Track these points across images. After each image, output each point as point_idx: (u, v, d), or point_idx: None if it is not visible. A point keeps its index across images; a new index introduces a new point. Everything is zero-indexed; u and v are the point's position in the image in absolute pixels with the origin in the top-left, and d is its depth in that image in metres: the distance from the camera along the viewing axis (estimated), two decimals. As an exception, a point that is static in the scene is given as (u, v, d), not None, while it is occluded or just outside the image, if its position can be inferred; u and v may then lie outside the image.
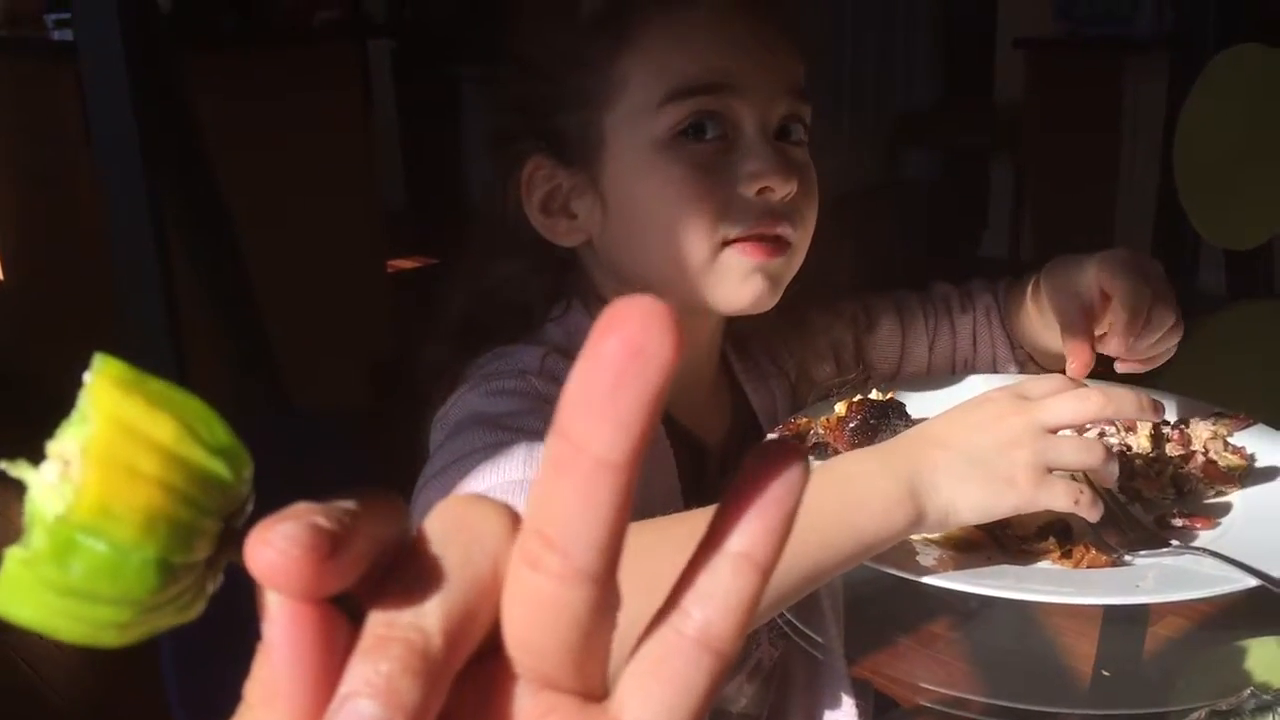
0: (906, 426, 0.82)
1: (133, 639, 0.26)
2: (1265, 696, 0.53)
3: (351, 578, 0.25)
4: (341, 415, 1.03)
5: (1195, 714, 0.54)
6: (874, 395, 0.86)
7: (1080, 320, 0.85)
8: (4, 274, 3.70)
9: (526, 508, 0.25)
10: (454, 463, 0.69)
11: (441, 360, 0.84)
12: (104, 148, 1.01)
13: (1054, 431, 0.66)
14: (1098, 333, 0.86)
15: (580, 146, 0.82)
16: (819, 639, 0.80)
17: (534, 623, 0.25)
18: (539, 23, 0.86)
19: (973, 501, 0.64)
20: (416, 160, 5.36)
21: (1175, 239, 1.44)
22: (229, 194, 1.17)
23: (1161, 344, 0.86)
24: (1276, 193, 1.28)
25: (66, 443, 0.25)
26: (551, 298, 0.85)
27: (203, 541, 0.26)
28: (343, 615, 0.25)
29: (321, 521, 0.24)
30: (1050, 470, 0.64)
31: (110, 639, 0.26)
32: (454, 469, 0.68)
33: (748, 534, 0.25)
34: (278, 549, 0.23)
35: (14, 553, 0.25)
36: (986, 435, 0.65)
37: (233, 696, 0.26)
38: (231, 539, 0.26)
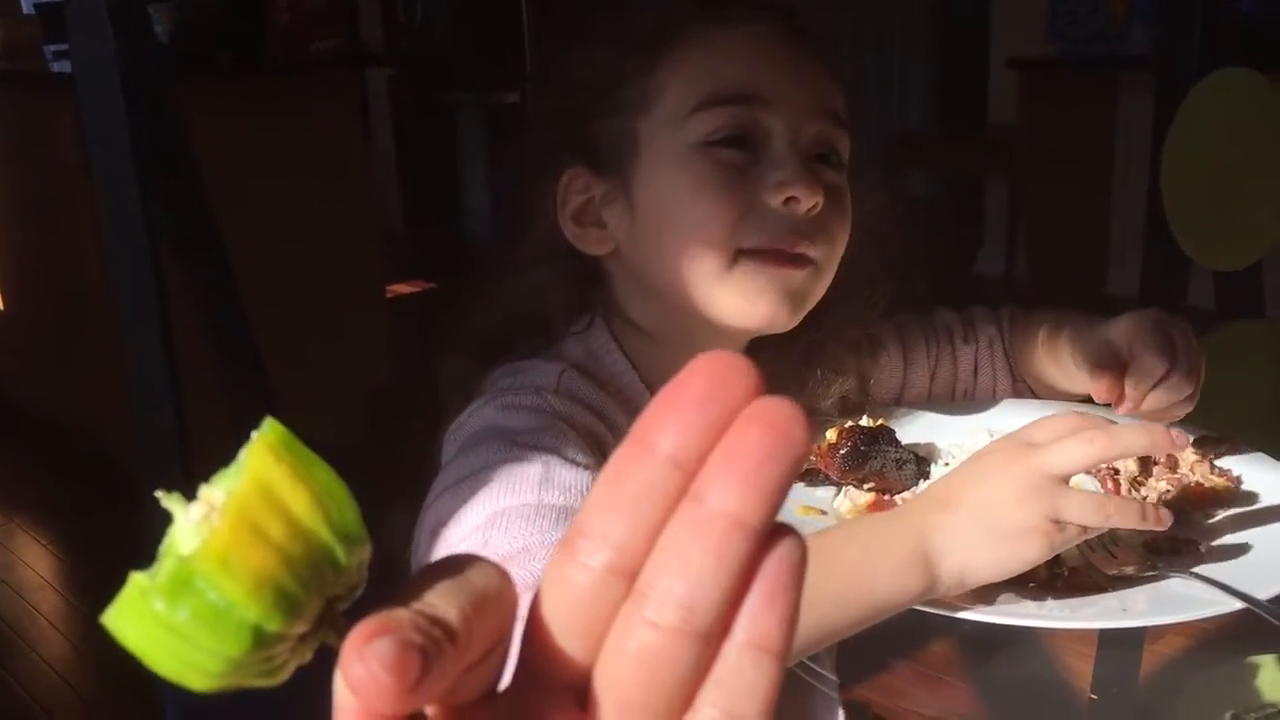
0: (897, 453, 0.82)
1: (216, 688, 0.27)
2: (1247, 718, 0.53)
3: (435, 698, 0.26)
4: (340, 442, 1.04)
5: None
6: (864, 422, 0.87)
7: (1113, 363, 0.83)
8: (4, 303, 3.72)
9: (650, 567, 0.25)
10: (467, 477, 0.69)
11: (463, 373, 0.85)
12: (101, 178, 1.02)
13: (1065, 478, 0.66)
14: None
15: (614, 154, 0.83)
16: (813, 665, 0.81)
17: (644, 679, 0.25)
18: (583, 41, 0.88)
19: (986, 563, 0.64)
20: (415, 186, 5.38)
21: (1165, 258, 1.45)
22: (226, 223, 1.18)
23: (1172, 411, 0.84)
24: (1263, 215, 1.29)
25: (216, 490, 0.26)
26: (573, 311, 0.86)
27: (303, 617, 0.27)
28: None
29: (416, 639, 0.24)
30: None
31: (196, 683, 0.27)
32: (467, 484, 0.68)
33: (761, 623, 0.25)
34: (370, 669, 0.24)
35: (138, 578, 0.26)
36: (995, 492, 0.64)
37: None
38: (331, 620, 0.27)
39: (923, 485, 0.81)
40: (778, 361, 0.95)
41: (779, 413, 0.25)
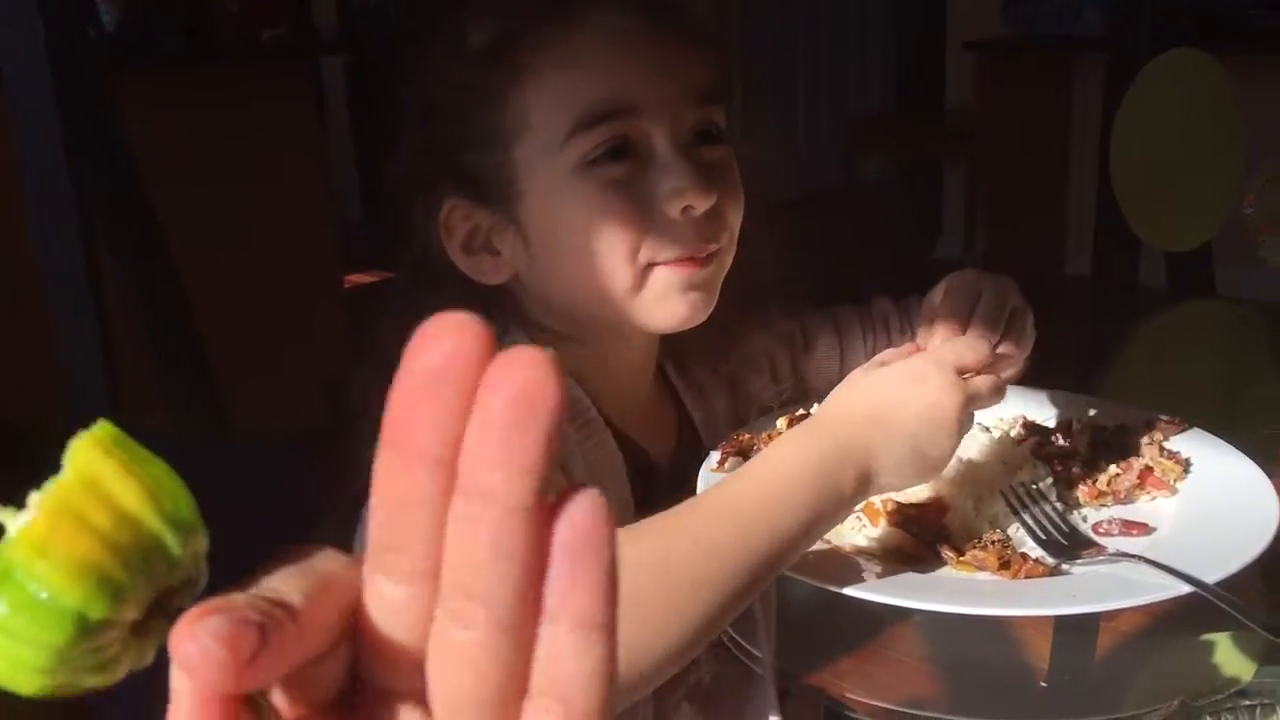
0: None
1: (48, 689, 0.26)
2: (1195, 704, 0.53)
3: (272, 680, 0.25)
4: (297, 437, 1.02)
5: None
6: (815, 410, 0.86)
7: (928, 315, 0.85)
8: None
9: (444, 568, 0.25)
10: None
11: (371, 386, 0.83)
12: (32, 176, 0.99)
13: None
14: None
15: (494, 186, 0.81)
16: (757, 654, 0.80)
17: (469, 677, 0.25)
18: (433, 60, 0.84)
19: (909, 475, 0.70)
20: (373, 175, 5.33)
21: (1117, 238, 1.45)
22: (177, 214, 1.16)
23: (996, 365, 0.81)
24: (1212, 195, 1.30)
25: (46, 493, 0.26)
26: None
27: (128, 605, 0.26)
28: (250, 704, 0.25)
29: (253, 617, 0.23)
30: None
31: (26, 684, 0.26)
32: None
33: (570, 600, 0.24)
34: (200, 644, 0.23)
35: None
36: (918, 413, 0.69)
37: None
38: (166, 614, 0.27)
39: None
40: (718, 368, 0.94)
41: (520, 372, 0.24)
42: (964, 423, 0.70)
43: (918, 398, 0.69)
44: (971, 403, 0.71)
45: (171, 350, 1.04)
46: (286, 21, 3.34)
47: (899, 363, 0.73)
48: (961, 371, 0.72)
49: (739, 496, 0.65)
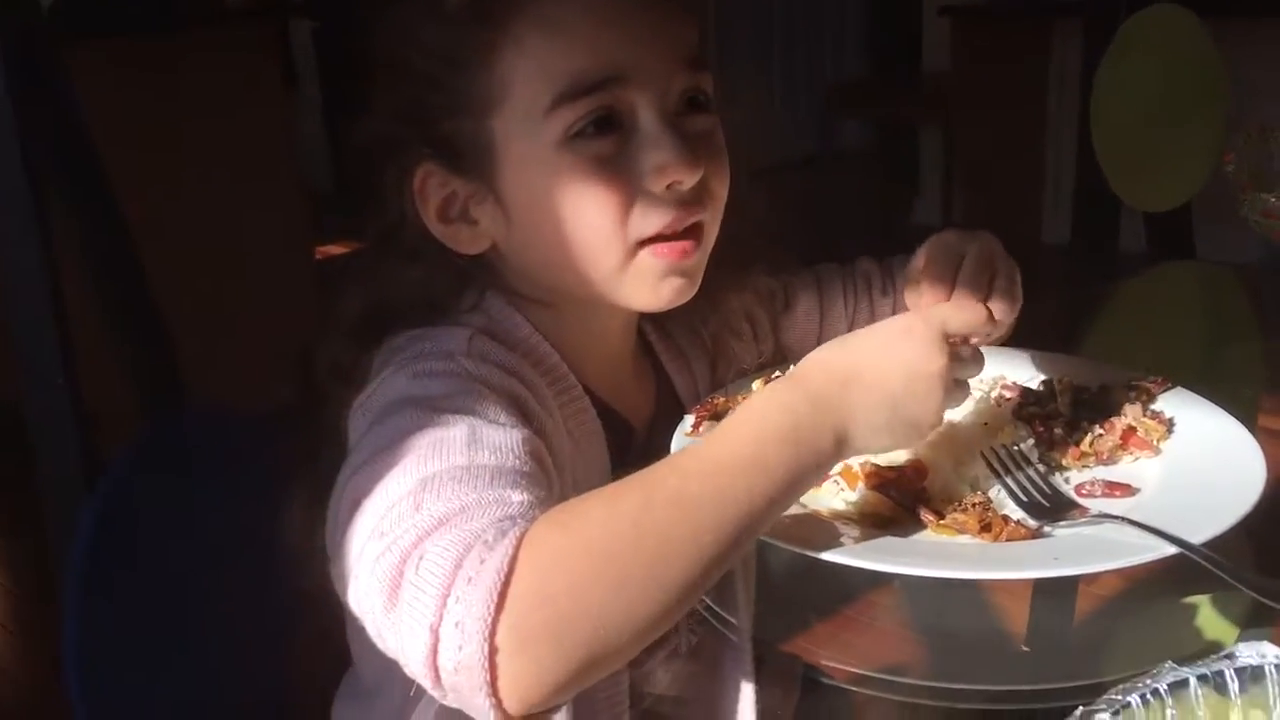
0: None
1: None
2: (1184, 669, 0.52)
3: None
4: (266, 411, 0.99)
5: (1117, 688, 0.53)
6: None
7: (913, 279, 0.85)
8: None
9: None
10: (385, 448, 0.64)
11: (340, 357, 0.80)
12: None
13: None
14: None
15: (471, 154, 0.78)
16: (734, 621, 0.79)
17: None
18: (407, 21, 0.80)
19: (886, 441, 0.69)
20: (344, 145, 5.26)
21: (1096, 201, 1.44)
22: (140, 183, 1.13)
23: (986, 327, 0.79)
24: (1192, 155, 1.28)
25: None
26: (458, 294, 0.82)
27: None
28: None
29: None
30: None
31: None
32: (386, 454, 0.64)
33: None
34: None
35: None
36: (899, 378, 0.67)
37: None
38: None
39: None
40: (699, 330, 0.93)
41: None
42: (949, 388, 0.69)
43: (898, 356, 0.68)
44: (955, 369, 0.69)
45: (128, 323, 1.01)
46: (251, -15, 3.28)
47: (883, 323, 0.71)
48: (949, 336, 0.70)
49: (716, 455, 0.63)
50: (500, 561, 0.55)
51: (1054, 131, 4.31)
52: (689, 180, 0.76)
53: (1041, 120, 4.33)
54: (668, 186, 0.76)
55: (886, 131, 5.51)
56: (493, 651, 0.54)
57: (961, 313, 0.73)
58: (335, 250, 4.45)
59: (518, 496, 0.60)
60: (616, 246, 0.76)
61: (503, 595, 0.54)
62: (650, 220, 0.76)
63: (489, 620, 0.54)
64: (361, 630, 0.61)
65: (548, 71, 0.74)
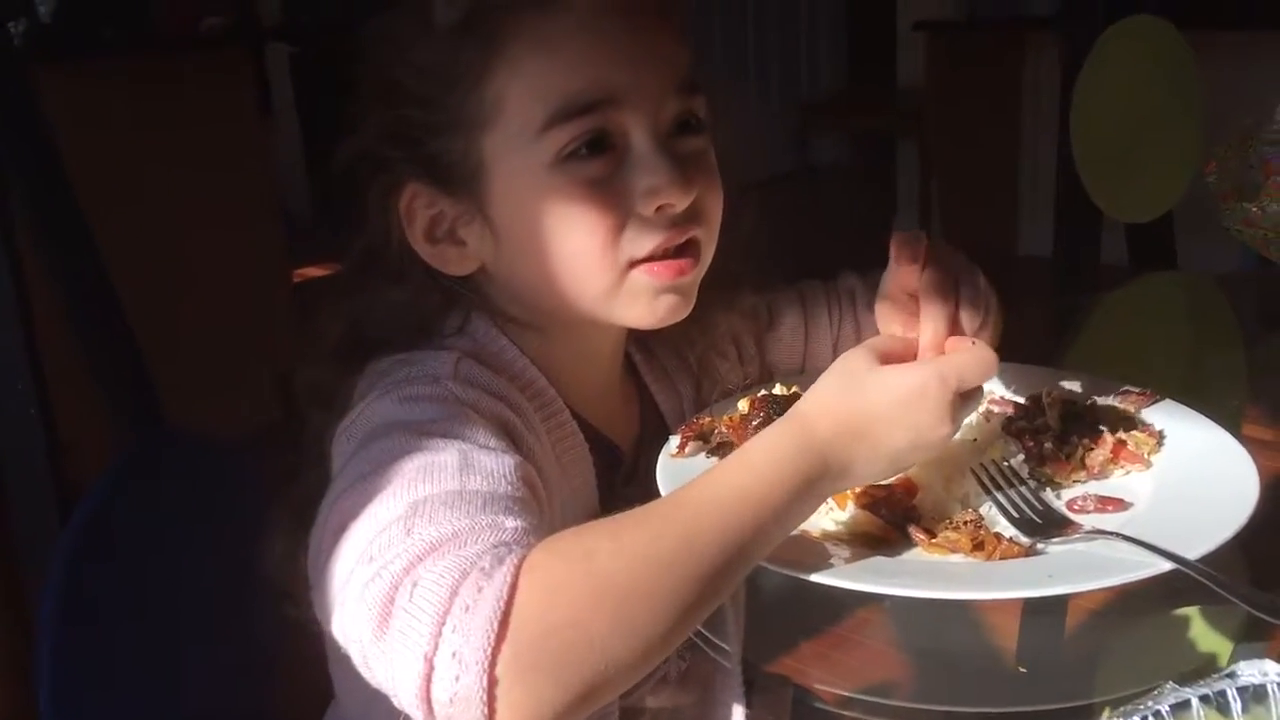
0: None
1: None
2: (1185, 689, 0.51)
3: None
4: (245, 435, 0.98)
5: (1119, 709, 0.52)
6: (778, 390, 0.84)
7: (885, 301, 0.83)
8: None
9: None
10: (373, 471, 0.63)
11: (321, 381, 0.79)
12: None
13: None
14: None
15: (461, 173, 0.77)
16: (725, 647, 0.78)
17: None
18: (396, 38, 0.79)
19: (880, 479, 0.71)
20: (322, 168, 5.24)
21: (1077, 214, 1.44)
22: (117, 208, 1.11)
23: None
24: (1172, 165, 1.28)
25: None
26: (444, 317, 0.81)
27: None
28: None
29: None
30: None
31: None
32: (375, 478, 0.63)
33: None
34: None
35: None
36: (907, 438, 0.68)
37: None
38: None
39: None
40: (684, 351, 0.92)
41: None
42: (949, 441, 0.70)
43: (910, 419, 0.68)
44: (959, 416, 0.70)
45: (104, 350, 1.00)
46: (226, 9, 3.27)
47: (900, 373, 0.69)
48: (962, 389, 0.69)
49: (723, 495, 0.63)
50: (499, 590, 0.54)
51: (1029, 143, 4.34)
52: (680, 203, 0.75)
53: (1016, 132, 4.36)
54: (659, 209, 0.75)
55: (863, 146, 5.54)
56: (491, 683, 0.53)
57: (979, 366, 0.71)
58: (314, 273, 4.44)
59: (511, 523, 0.59)
60: (608, 267, 0.75)
61: (503, 625, 0.53)
62: (642, 242, 0.75)
63: (488, 651, 0.53)
64: (346, 660, 0.59)
65: (541, 92, 0.74)
